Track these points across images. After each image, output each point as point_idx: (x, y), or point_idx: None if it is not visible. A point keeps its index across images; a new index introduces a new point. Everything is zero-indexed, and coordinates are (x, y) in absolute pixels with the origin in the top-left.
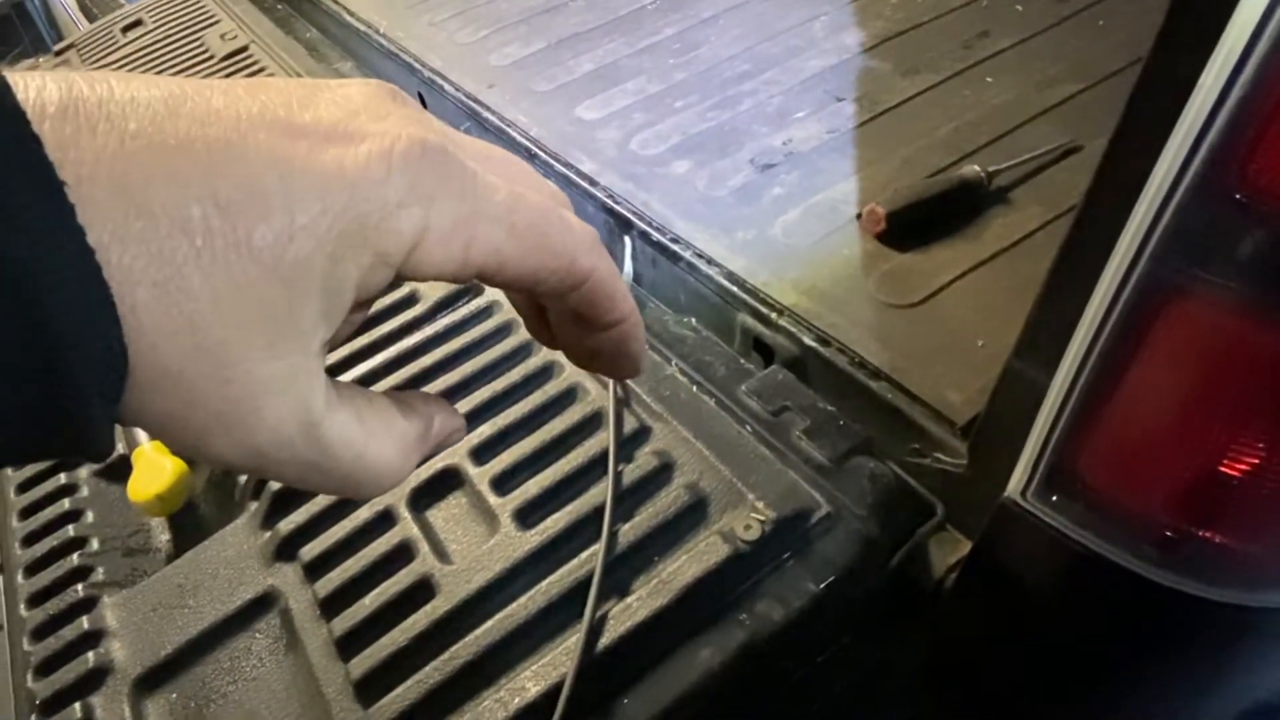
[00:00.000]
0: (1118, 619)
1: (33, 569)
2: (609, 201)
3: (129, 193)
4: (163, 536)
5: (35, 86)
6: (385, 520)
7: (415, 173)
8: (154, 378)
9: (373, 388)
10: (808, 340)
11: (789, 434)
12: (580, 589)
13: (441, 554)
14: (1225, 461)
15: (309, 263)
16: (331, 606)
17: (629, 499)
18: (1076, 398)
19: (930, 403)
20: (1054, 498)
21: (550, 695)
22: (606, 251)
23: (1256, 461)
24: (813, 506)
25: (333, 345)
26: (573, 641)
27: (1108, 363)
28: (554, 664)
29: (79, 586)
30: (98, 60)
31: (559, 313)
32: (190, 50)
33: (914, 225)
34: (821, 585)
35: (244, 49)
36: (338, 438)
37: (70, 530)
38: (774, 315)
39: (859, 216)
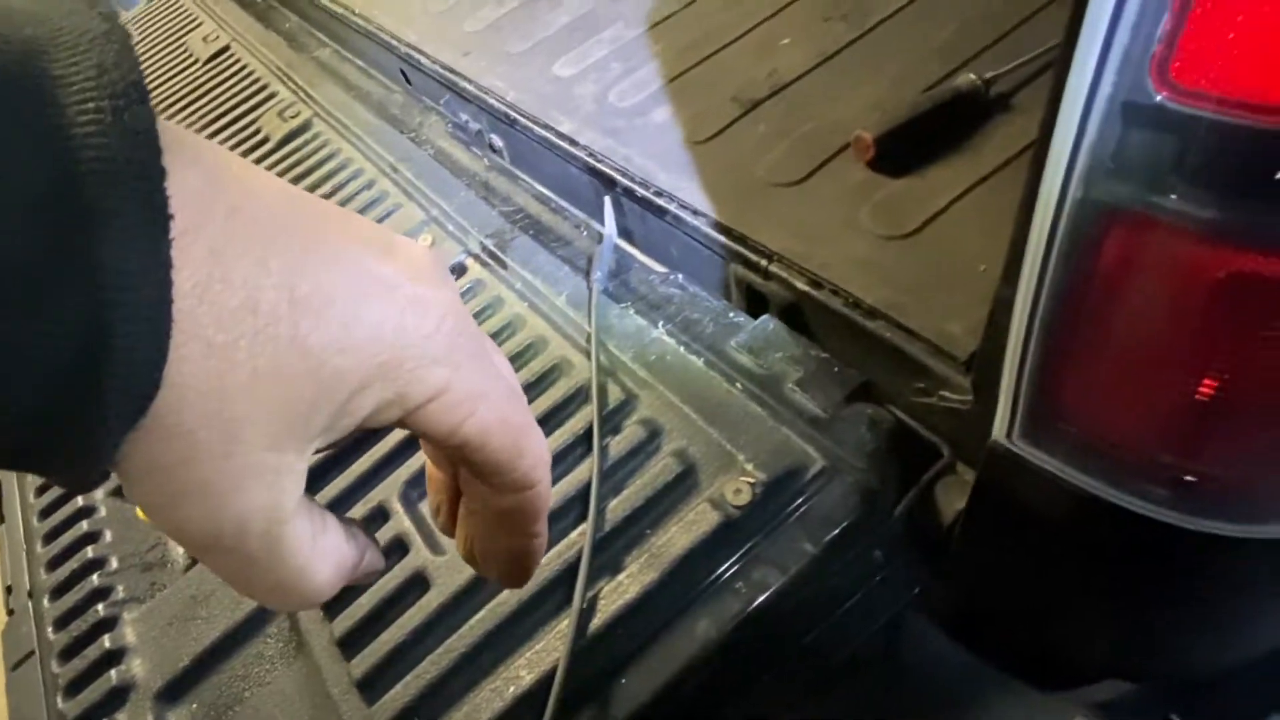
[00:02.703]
0: (1123, 558)
1: (57, 592)
2: (590, 160)
3: (221, 259)
4: (178, 548)
5: (176, 132)
6: (380, 516)
7: (455, 341)
8: (167, 425)
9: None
10: (800, 285)
11: (781, 387)
12: (571, 570)
13: (434, 546)
14: (1196, 389)
15: (344, 377)
16: (332, 606)
17: (617, 472)
18: (1038, 332)
19: (931, 338)
20: (1038, 437)
21: (545, 681)
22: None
23: (1226, 387)
24: (806, 463)
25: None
26: (565, 625)
27: (1061, 295)
28: (548, 649)
29: (100, 606)
30: None
31: (476, 492)
32: (174, 56)
33: (907, 147)
34: (820, 545)
35: (225, 49)
36: (291, 543)
37: (89, 552)
38: (764, 262)
39: (849, 145)
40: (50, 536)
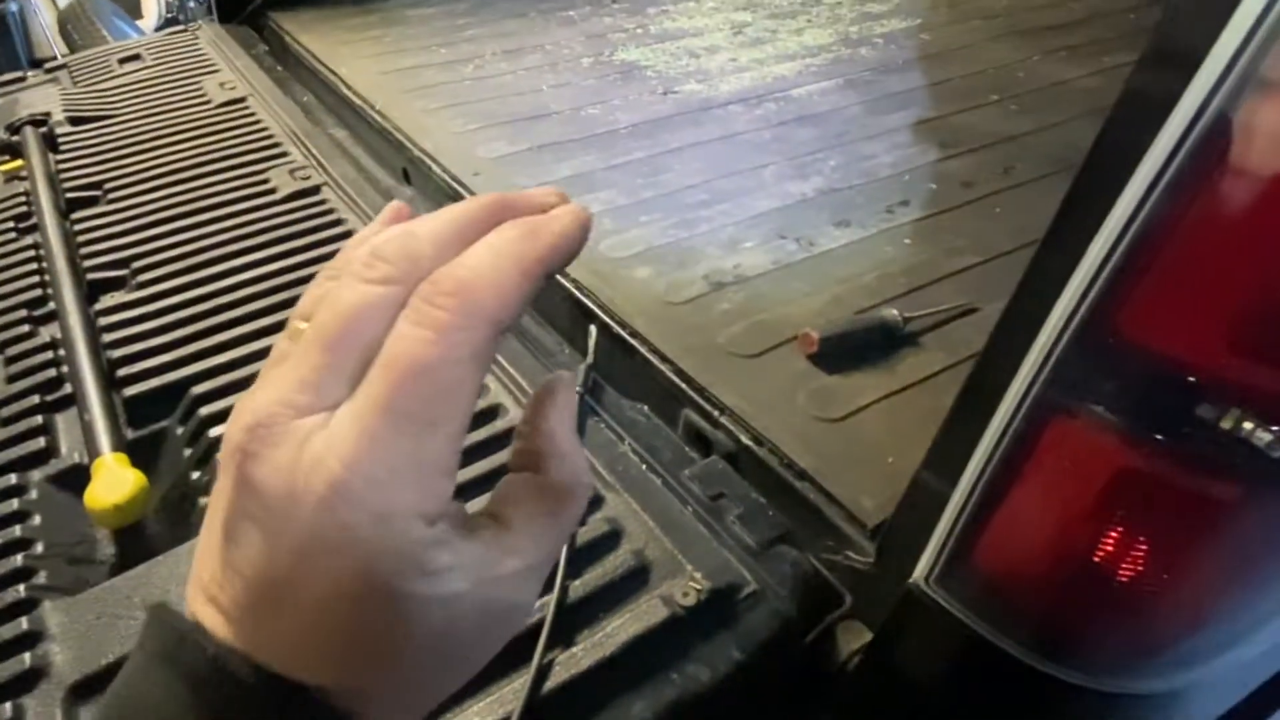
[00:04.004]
0: (1001, 700)
1: None
2: (575, 292)
3: (312, 677)
4: (108, 549)
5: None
6: None
7: (365, 511)
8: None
9: None
10: (744, 438)
11: (725, 517)
12: (530, 636)
13: None
14: (1093, 560)
15: (442, 605)
16: None
17: (580, 559)
18: (974, 501)
19: (846, 505)
20: (951, 582)
21: None
22: (471, 297)
23: (1118, 560)
24: (742, 583)
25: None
26: (520, 683)
27: (999, 472)
28: (501, 701)
29: (20, 587)
30: (91, 84)
31: None
32: (187, 92)
33: (841, 352)
34: (746, 653)
35: (241, 99)
36: (530, 558)
37: (17, 530)
38: (716, 413)
39: (795, 338)
40: None
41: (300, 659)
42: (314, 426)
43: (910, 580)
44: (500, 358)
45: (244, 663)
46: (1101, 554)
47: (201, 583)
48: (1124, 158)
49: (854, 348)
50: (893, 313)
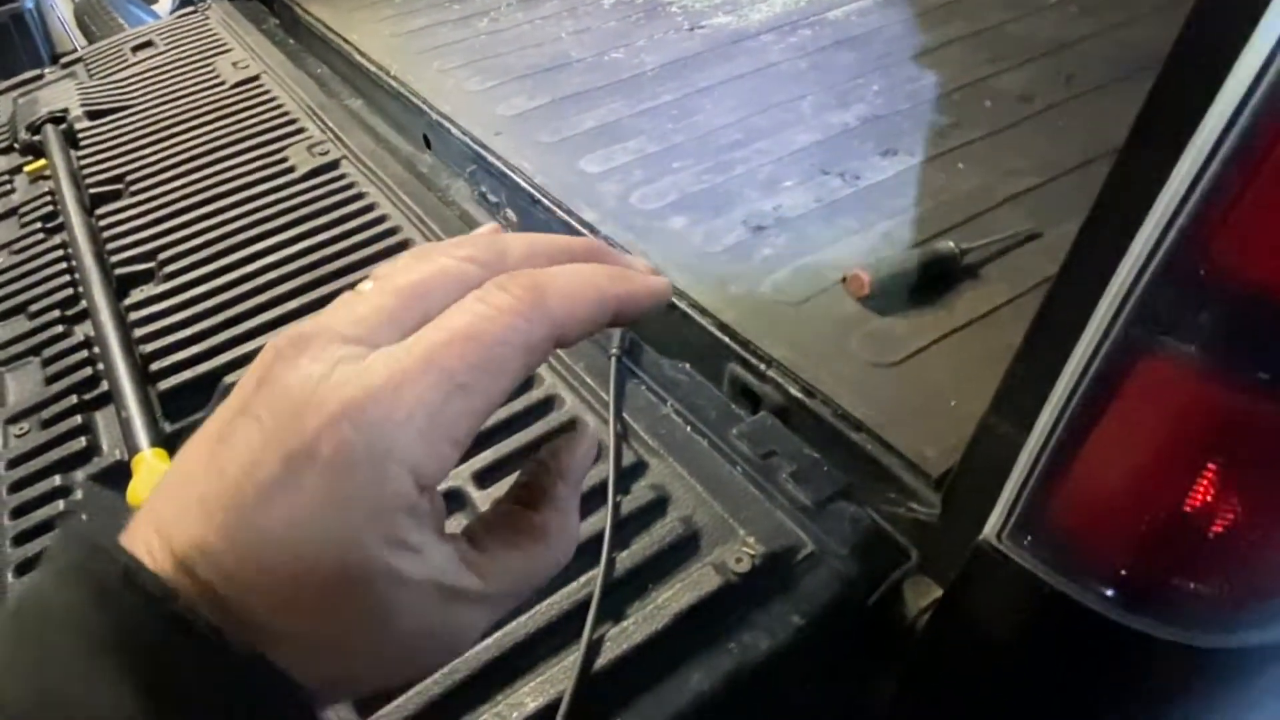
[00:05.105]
0: (1082, 660)
1: (22, 569)
2: None
3: (242, 615)
4: None
5: (164, 574)
6: None
7: (366, 446)
8: (350, 687)
9: None
10: (794, 391)
11: (776, 476)
12: (579, 611)
13: None
14: (1185, 511)
15: (371, 559)
16: None
17: (626, 528)
18: (1050, 448)
19: (907, 455)
20: (1026, 540)
21: (548, 711)
22: (542, 291)
23: (1215, 510)
24: (798, 545)
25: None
26: (570, 661)
27: (1080, 417)
28: (552, 681)
29: None
30: (106, 75)
31: None
32: (201, 75)
33: (894, 292)
34: (804, 619)
35: (255, 78)
36: (499, 586)
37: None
38: (762, 366)
39: (844, 280)
40: (20, 511)
41: (234, 579)
42: (353, 354)
43: (981, 537)
44: None
45: (156, 580)
46: (1196, 503)
47: (153, 514)
48: (1217, 52)
49: (908, 286)
50: (948, 245)
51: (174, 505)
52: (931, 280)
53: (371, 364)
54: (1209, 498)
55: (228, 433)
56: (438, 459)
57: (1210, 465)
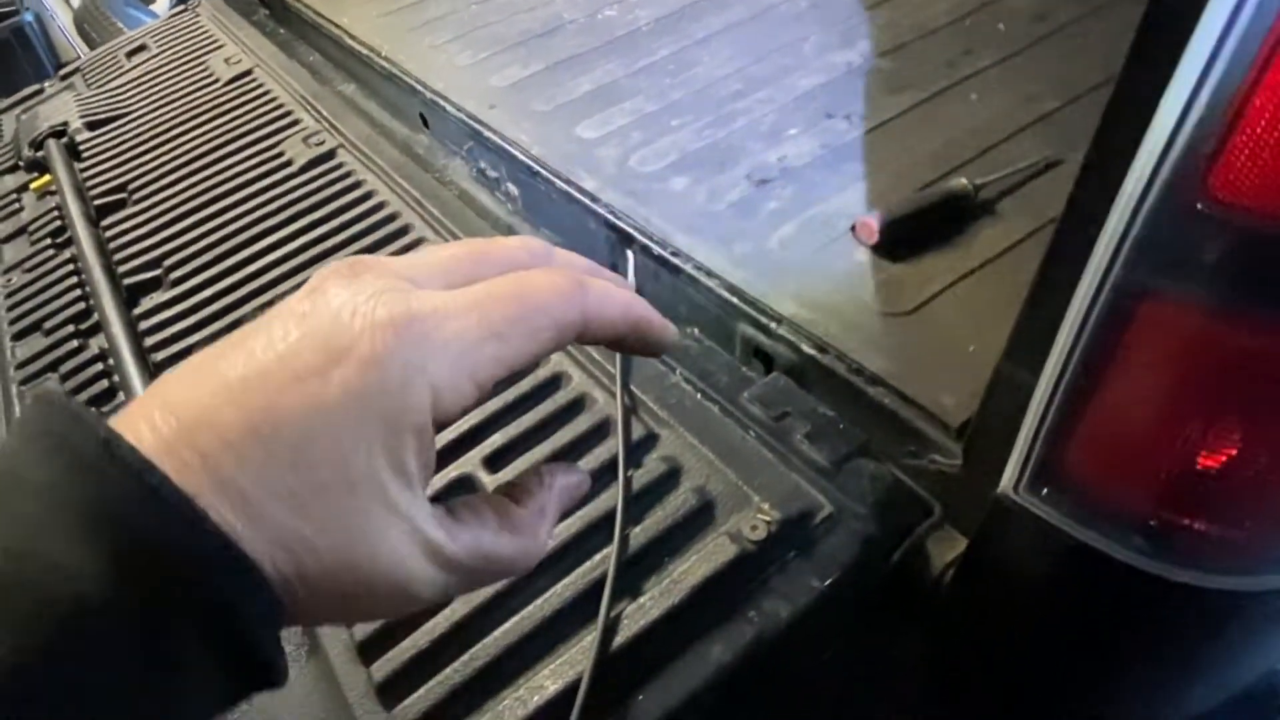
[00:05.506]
0: (1107, 607)
1: None
2: (610, 218)
3: (229, 494)
4: None
5: (138, 439)
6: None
7: (402, 355)
8: (310, 601)
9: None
10: (806, 348)
11: (791, 438)
12: (594, 590)
13: None
14: (1201, 454)
15: (371, 470)
16: None
17: (639, 503)
18: (1060, 396)
19: (926, 406)
20: (1043, 491)
21: (568, 692)
22: (590, 284)
23: (1231, 452)
24: (816, 507)
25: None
26: (589, 640)
27: (1087, 363)
28: (571, 662)
29: None
30: (104, 84)
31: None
32: (195, 75)
33: (906, 236)
34: (826, 583)
35: (248, 72)
36: (464, 554)
37: None
38: (773, 324)
39: (853, 229)
40: None
41: (233, 449)
42: (404, 287)
43: (999, 490)
44: None
45: (135, 453)
46: (1208, 448)
47: (157, 396)
48: None
49: (921, 228)
50: (961, 181)
51: (186, 385)
52: (945, 220)
53: (422, 294)
54: (1221, 442)
55: (263, 327)
56: (458, 392)
57: (1221, 410)
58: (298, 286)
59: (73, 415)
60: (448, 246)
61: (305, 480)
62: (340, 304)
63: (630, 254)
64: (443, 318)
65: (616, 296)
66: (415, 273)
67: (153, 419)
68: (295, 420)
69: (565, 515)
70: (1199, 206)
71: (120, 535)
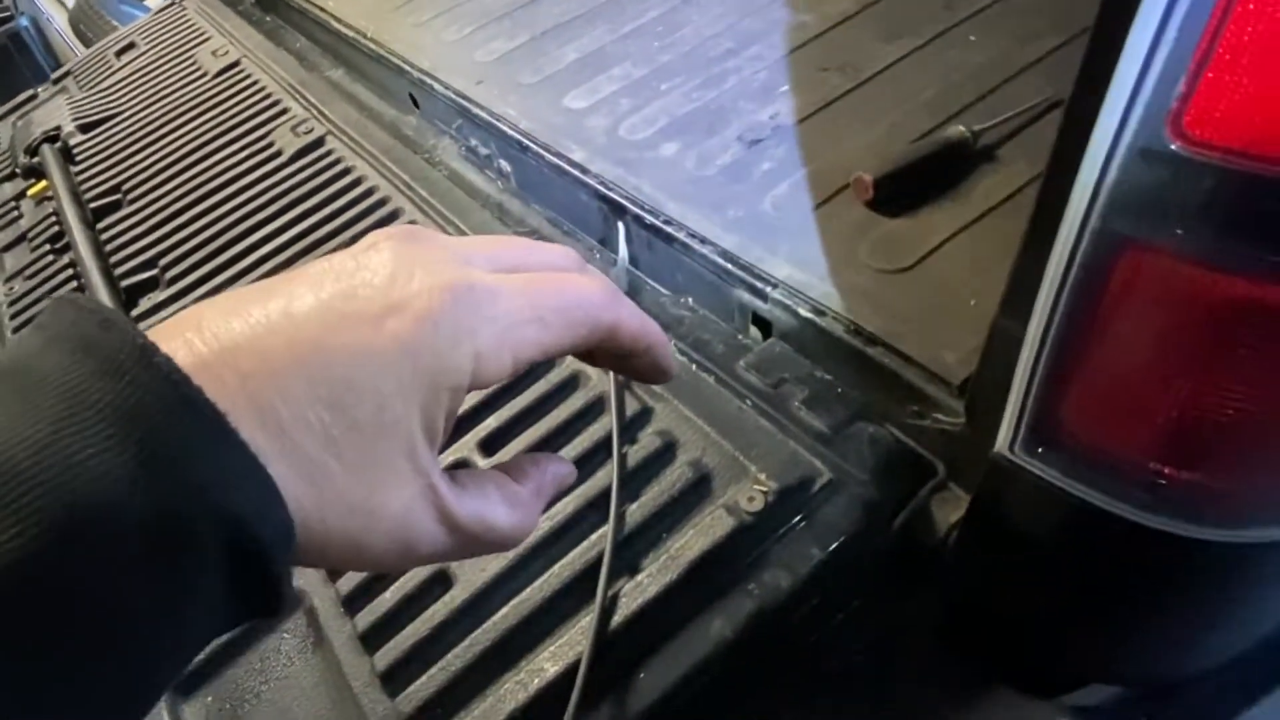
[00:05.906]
0: (1111, 564)
1: None
2: (601, 189)
3: (263, 417)
4: None
5: (174, 353)
6: None
7: (455, 317)
8: (323, 537)
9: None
10: (803, 311)
11: (788, 405)
12: (592, 570)
13: None
14: (1188, 407)
15: (405, 420)
16: (354, 603)
17: (635, 479)
18: (1048, 351)
19: (926, 364)
20: (1039, 449)
21: (568, 674)
22: (623, 296)
23: (1216, 402)
24: (814, 474)
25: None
26: (587, 621)
27: (1072, 316)
28: (570, 643)
29: None
30: (95, 86)
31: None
32: (183, 69)
33: (902, 190)
34: (827, 550)
35: (235, 64)
36: (467, 518)
37: None
38: (768, 289)
39: (847, 186)
40: None
41: (276, 376)
42: (462, 259)
43: (995, 450)
44: None
45: (170, 362)
46: (1200, 399)
47: (193, 319)
48: None
49: (918, 181)
50: (959, 129)
51: (224, 313)
52: (943, 171)
53: (477, 270)
54: (1208, 395)
55: (309, 275)
56: (498, 363)
57: (1209, 361)
58: None
59: (104, 320)
60: (496, 237)
61: (341, 419)
62: (400, 263)
63: (621, 225)
64: (496, 294)
65: (639, 314)
66: (466, 249)
67: (188, 338)
68: (343, 360)
69: (552, 504)
70: (1173, 148)
71: (149, 440)
